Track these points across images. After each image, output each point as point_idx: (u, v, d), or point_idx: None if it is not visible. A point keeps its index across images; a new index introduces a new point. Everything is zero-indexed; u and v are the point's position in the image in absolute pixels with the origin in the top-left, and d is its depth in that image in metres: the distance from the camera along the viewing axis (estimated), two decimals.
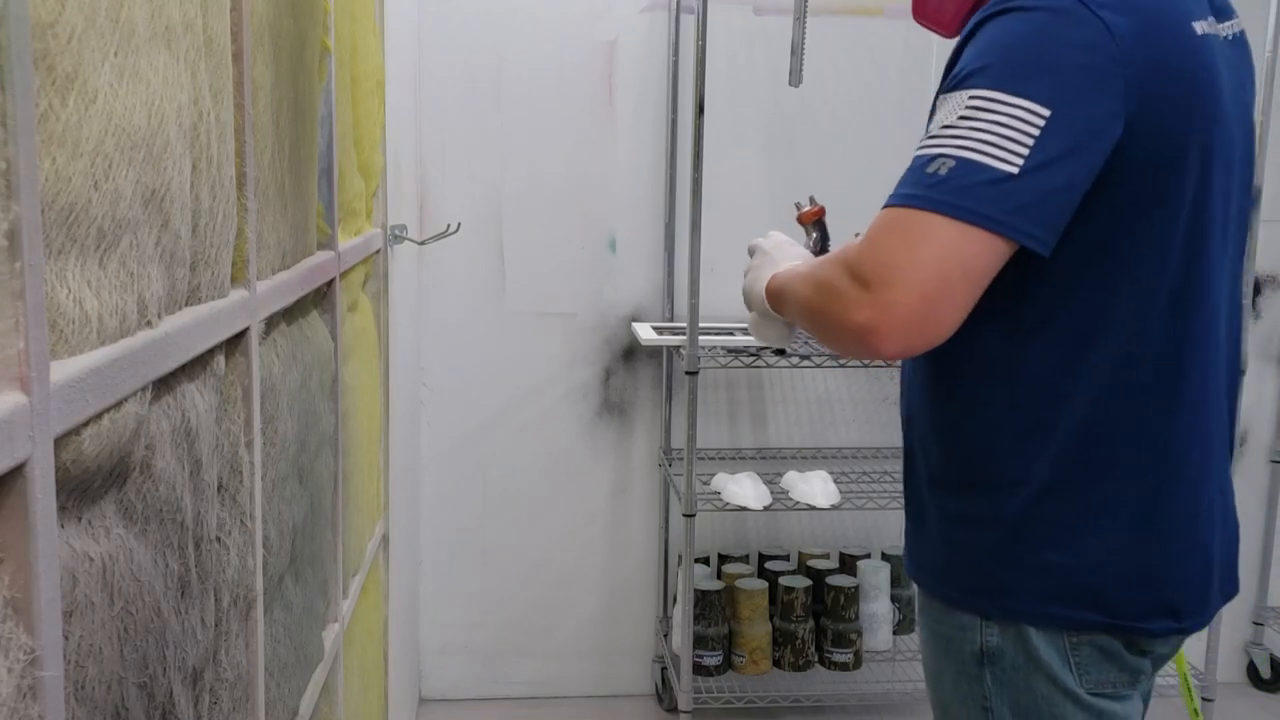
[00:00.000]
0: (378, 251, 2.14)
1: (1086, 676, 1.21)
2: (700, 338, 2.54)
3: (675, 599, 2.94)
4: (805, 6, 2.47)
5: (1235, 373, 1.29)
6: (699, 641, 2.73)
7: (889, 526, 3.12)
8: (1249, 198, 1.28)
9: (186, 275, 0.92)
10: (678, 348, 2.69)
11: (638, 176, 2.93)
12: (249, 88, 1.09)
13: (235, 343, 1.08)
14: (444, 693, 3.06)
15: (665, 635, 3.00)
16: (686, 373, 2.53)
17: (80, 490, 0.72)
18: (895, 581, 2.95)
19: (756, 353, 2.67)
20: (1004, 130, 1.05)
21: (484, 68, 2.86)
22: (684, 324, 2.61)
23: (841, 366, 2.85)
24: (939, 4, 1.39)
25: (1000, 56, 1.08)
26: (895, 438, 3.07)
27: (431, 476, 2.97)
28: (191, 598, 0.91)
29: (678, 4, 2.86)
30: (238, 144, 1.07)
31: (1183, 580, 1.22)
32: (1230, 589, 1.29)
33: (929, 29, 1.41)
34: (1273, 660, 3.19)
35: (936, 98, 1.16)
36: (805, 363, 2.70)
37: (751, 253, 1.49)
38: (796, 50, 2.48)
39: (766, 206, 2.96)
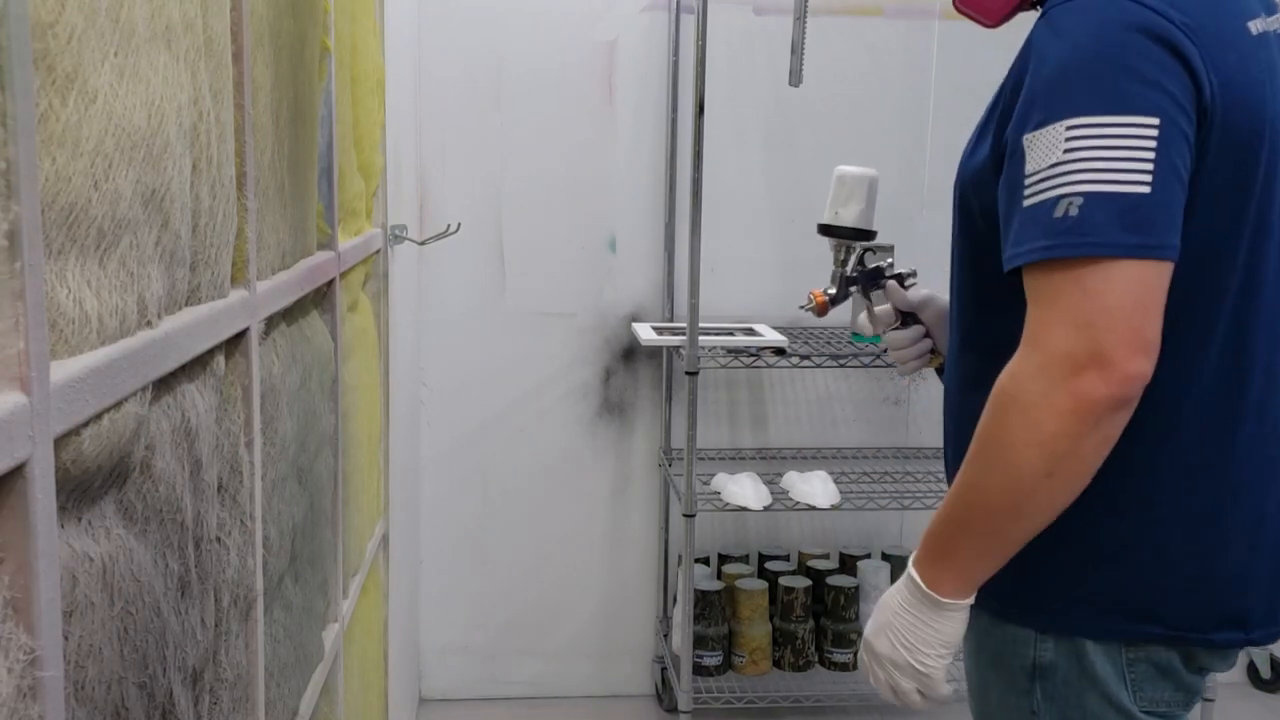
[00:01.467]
0: (378, 251, 2.14)
1: (1141, 694, 1.17)
2: (700, 338, 2.54)
3: (675, 599, 2.94)
4: (805, 6, 2.47)
5: None
6: (699, 641, 2.73)
7: (889, 527, 3.12)
8: None
9: (186, 275, 0.92)
10: (678, 348, 2.69)
11: (638, 176, 2.93)
12: (249, 88, 1.09)
13: (235, 343, 1.08)
14: (444, 693, 3.06)
15: (665, 635, 3.00)
16: (686, 373, 2.53)
17: (80, 490, 0.72)
18: (895, 582, 2.94)
19: (756, 353, 2.68)
20: (1120, 151, 1.01)
21: (484, 68, 2.86)
22: (684, 324, 2.61)
23: (841, 366, 2.84)
24: None
25: (1081, 76, 1.04)
26: (895, 438, 3.08)
27: (431, 476, 2.97)
28: (191, 598, 0.91)
29: (678, 4, 2.86)
30: (238, 144, 1.07)
31: (1247, 588, 1.17)
32: None
33: (970, 17, 1.31)
34: (1273, 660, 3.19)
35: (1011, 136, 1.09)
36: (805, 363, 2.70)
37: (870, 647, 1.24)
38: (796, 50, 2.48)
39: (766, 206, 2.96)
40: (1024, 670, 1.19)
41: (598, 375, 2.99)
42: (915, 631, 1.16)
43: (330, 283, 1.61)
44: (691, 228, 2.50)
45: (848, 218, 1.48)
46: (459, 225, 2.65)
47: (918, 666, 1.16)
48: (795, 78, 2.49)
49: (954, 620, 1.15)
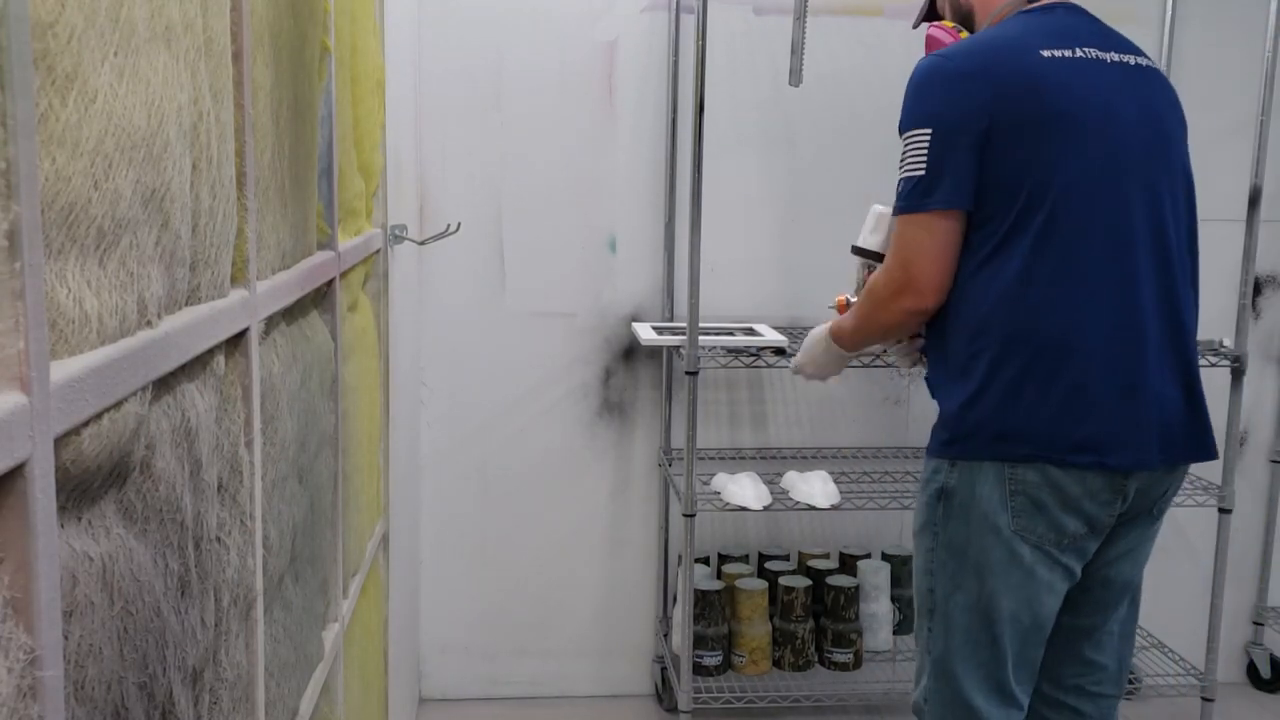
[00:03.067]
0: (378, 251, 2.14)
1: (1018, 520, 1.62)
2: (700, 338, 2.54)
3: (675, 599, 2.94)
4: (805, 6, 2.47)
5: (1172, 289, 1.66)
6: (699, 641, 2.73)
7: (889, 526, 3.11)
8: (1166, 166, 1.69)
9: (186, 275, 0.92)
10: (678, 348, 2.69)
11: (638, 176, 2.93)
12: (249, 88, 1.09)
13: (235, 343, 1.08)
14: (444, 693, 3.06)
15: (665, 635, 3.01)
16: (686, 373, 2.53)
17: (80, 490, 0.72)
18: (895, 581, 2.95)
19: (756, 353, 2.68)
20: (912, 149, 1.64)
21: (484, 68, 2.86)
22: (684, 324, 2.61)
23: None
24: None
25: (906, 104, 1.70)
26: (895, 438, 3.08)
27: (431, 476, 2.97)
28: (191, 598, 0.91)
29: (678, 4, 2.86)
30: (238, 144, 1.07)
31: (1100, 429, 1.60)
32: (1173, 455, 1.66)
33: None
34: (1273, 660, 3.19)
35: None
36: None
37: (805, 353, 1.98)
38: (796, 50, 2.48)
39: (766, 206, 2.96)
40: (936, 494, 1.70)
41: (598, 375, 2.99)
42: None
43: (330, 283, 1.61)
44: (691, 228, 2.50)
45: (874, 244, 1.90)
46: (459, 225, 2.65)
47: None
48: (795, 78, 2.49)
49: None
